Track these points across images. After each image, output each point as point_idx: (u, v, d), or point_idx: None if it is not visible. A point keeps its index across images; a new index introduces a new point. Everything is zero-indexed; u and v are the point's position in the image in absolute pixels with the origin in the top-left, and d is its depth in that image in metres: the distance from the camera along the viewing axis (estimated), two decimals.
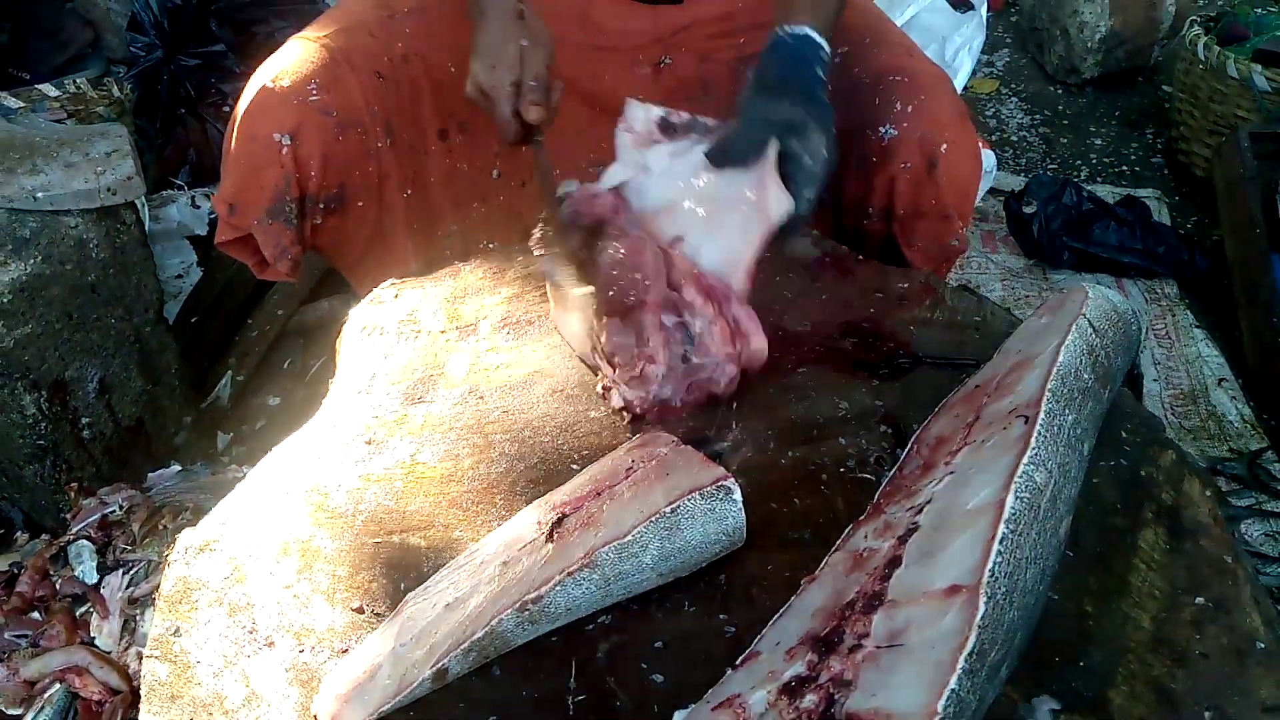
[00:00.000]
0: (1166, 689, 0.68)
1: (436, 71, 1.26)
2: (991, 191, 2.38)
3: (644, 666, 0.69)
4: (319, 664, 0.72)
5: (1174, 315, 2.07)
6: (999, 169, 2.47)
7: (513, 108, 1.05)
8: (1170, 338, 2.01)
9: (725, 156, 0.99)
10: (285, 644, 0.73)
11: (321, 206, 1.20)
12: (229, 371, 1.84)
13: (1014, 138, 2.75)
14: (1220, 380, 1.89)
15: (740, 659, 0.67)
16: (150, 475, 1.55)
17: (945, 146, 1.18)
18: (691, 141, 1.02)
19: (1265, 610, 0.74)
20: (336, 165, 1.19)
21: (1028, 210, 2.15)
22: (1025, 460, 0.67)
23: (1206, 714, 0.66)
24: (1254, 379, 1.88)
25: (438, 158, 1.28)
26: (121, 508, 1.39)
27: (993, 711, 0.65)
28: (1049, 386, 0.73)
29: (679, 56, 1.32)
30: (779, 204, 0.93)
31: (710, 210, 0.96)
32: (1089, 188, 2.35)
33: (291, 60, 1.18)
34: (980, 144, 2.31)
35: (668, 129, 1.05)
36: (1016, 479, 0.65)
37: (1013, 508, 0.63)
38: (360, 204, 1.23)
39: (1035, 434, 0.69)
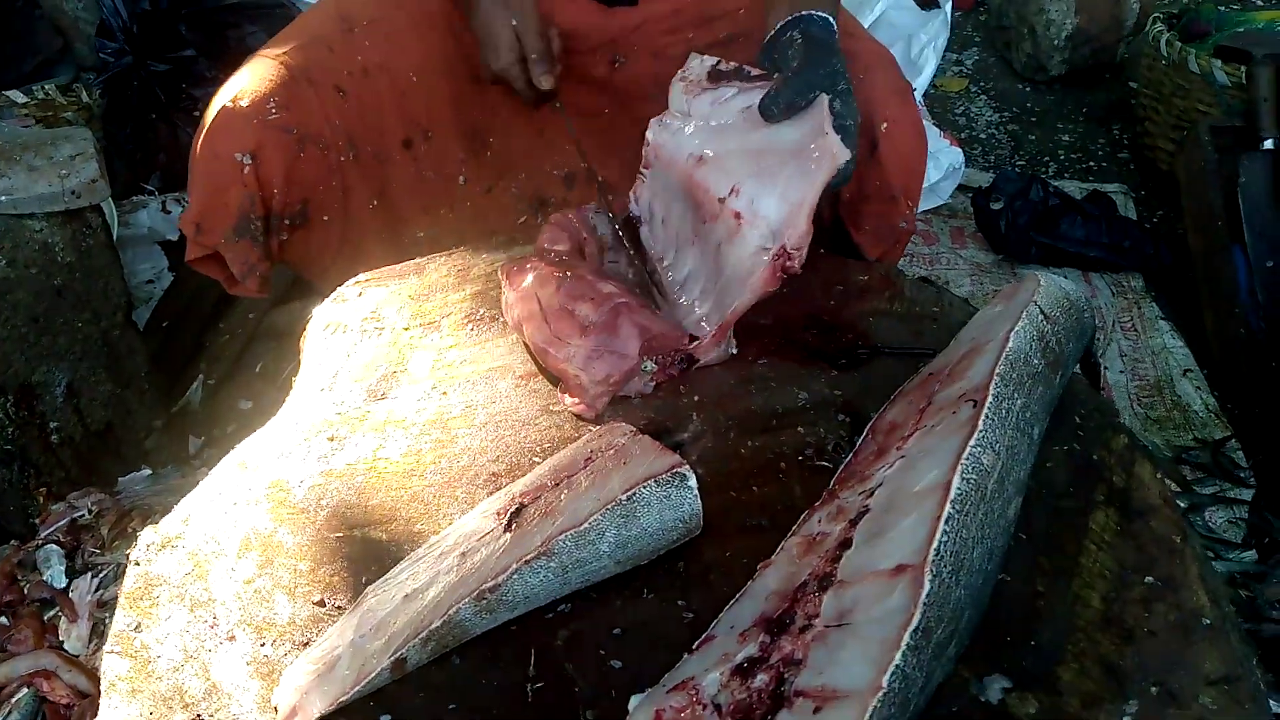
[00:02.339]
0: (1114, 665, 0.69)
1: (399, 81, 1.27)
2: (960, 188, 2.40)
3: (603, 653, 0.70)
4: (280, 657, 0.72)
5: (1140, 308, 2.09)
6: (967, 165, 2.49)
7: (526, 81, 1.19)
8: (1136, 330, 2.04)
9: (781, 107, 0.99)
10: (246, 638, 0.74)
11: (287, 223, 1.21)
12: (200, 375, 1.84)
13: (983, 135, 2.78)
14: (1185, 371, 1.92)
15: (696, 643, 0.68)
16: (120, 479, 1.55)
17: (886, 125, 1.17)
18: (735, 90, 1.03)
19: (1212, 588, 0.76)
20: (299, 181, 1.20)
21: (995, 206, 2.18)
22: (972, 443, 0.68)
23: (1153, 689, 0.68)
24: (1218, 369, 1.91)
25: (403, 167, 1.29)
26: (90, 511, 1.38)
27: (945, 690, 0.67)
28: (997, 371, 0.75)
29: (632, 55, 1.34)
30: (840, 151, 0.93)
31: (766, 160, 0.96)
32: (1057, 183, 2.38)
33: (251, 79, 1.18)
34: (949, 141, 2.35)
35: (714, 76, 1.07)
36: (963, 460, 0.66)
37: (959, 488, 0.65)
38: (325, 218, 1.24)
39: (983, 417, 0.70)
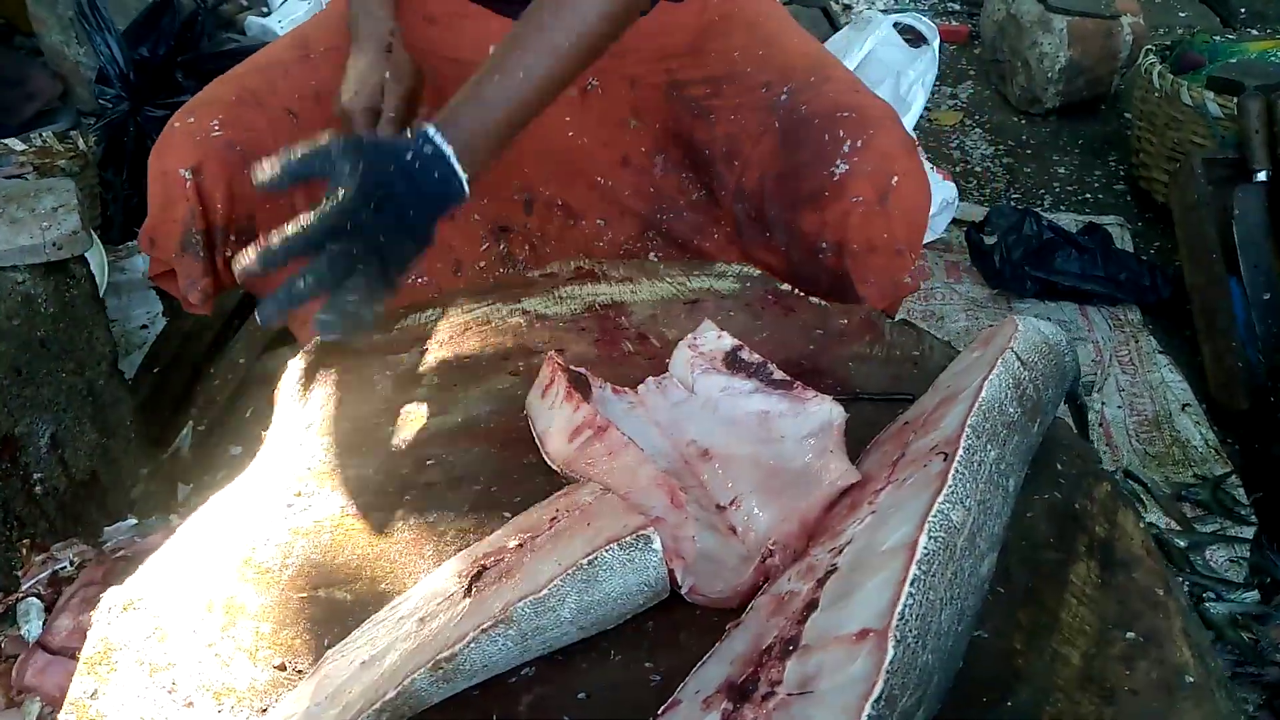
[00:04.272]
0: None
1: None
2: (955, 222, 2.40)
3: (566, 719, 0.68)
4: None
5: (1137, 341, 2.08)
6: (962, 199, 2.49)
7: (366, 127, 1.19)
8: (1134, 364, 2.02)
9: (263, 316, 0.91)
10: (204, 703, 0.72)
11: (233, 238, 1.24)
12: (190, 421, 1.83)
13: (978, 168, 2.78)
14: (1184, 406, 1.90)
15: (662, 708, 0.66)
16: (106, 529, 1.54)
17: (896, 179, 1.19)
18: (753, 387, 0.92)
19: (1196, 643, 0.74)
20: (244, 197, 1.23)
21: (988, 241, 2.17)
22: (941, 499, 0.66)
23: None
24: (1216, 404, 1.89)
25: None
26: (72, 563, 1.37)
27: None
28: (969, 422, 0.73)
29: (606, 80, 1.33)
30: (843, 474, 0.80)
31: (775, 479, 0.84)
32: (1052, 216, 2.37)
33: (203, 99, 1.25)
34: (942, 175, 2.35)
35: (732, 364, 0.95)
36: (930, 518, 0.64)
37: (926, 548, 0.63)
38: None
39: (953, 472, 0.68)
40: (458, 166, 0.94)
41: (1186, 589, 1.47)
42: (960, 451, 0.70)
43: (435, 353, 1.06)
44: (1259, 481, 1.69)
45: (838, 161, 1.20)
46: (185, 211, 1.19)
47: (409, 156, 0.93)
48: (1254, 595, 1.47)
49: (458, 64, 1.32)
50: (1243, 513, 1.63)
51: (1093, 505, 0.84)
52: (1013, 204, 2.54)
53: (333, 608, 0.79)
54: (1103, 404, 1.91)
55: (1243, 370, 1.80)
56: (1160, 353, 2.03)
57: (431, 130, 0.94)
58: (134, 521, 1.55)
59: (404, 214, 0.92)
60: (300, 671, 0.74)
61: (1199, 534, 1.60)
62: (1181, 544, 1.57)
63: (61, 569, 1.36)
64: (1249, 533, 1.59)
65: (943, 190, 2.30)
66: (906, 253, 1.22)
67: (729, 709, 0.61)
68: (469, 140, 0.96)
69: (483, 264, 1.38)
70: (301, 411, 1.00)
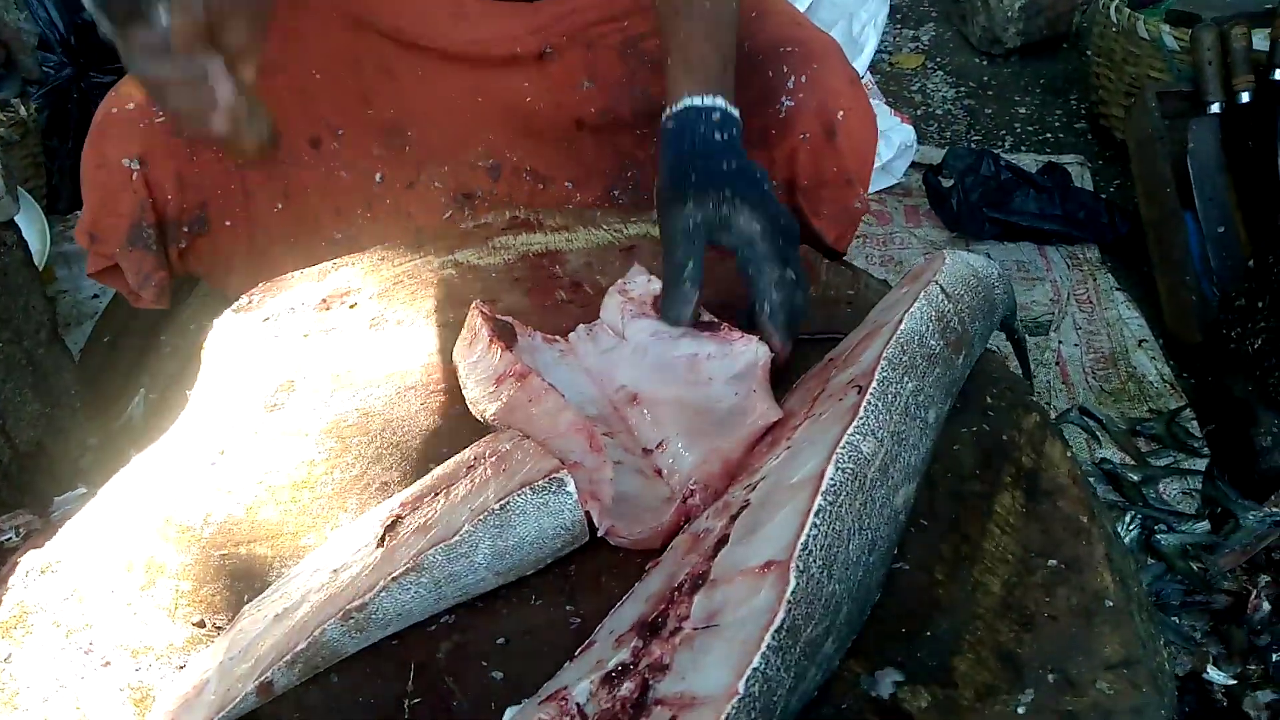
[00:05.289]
0: (1012, 654, 0.67)
1: (299, 79, 1.23)
2: (914, 165, 2.38)
3: (484, 664, 0.68)
4: (155, 682, 0.70)
5: (1095, 279, 2.07)
6: (923, 142, 2.46)
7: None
8: (1092, 302, 2.02)
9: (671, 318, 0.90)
10: (122, 663, 0.71)
11: (185, 229, 1.18)
12: (142, 390, 1.81)
13: (939, 111, 2.75)
14: (1140, 341, 1.90)
15: (579, 649, 0.66)
16: (55, 499, 1.52)
17: (842, 113, 1.18)
18: (680, 330, 0.91)
19: (1118, 568, 0.74)
20: (194, 185, 1.16)
21: (945, 183, 2.15)
22: (851, 430, 0.66)
23: (1050, 676, 0.66)
24: (1172, 338, 1.89)
25: (312, 167, 1.25)
26: (19, 533, 1.35)
27: (834, 686, 0.64)
28: (885, 355, 0.72)
29: (561, 45, 1.31)
30: (764, 413, 0.81)
31: (701, 420, 0.84)
32: (1013, 157, 2.35)
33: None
34: (901, 119, 2.32)
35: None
36: (839, 450, 0.64)
37: (832, 479, 0.62)
38: (228, 223, 1.21)
39: (865, 404, 0.68)
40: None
41: (1138, 521, 1.48)
42: (874, 384, 0.70)
43: (366, 306, 1.05)
44: (1212, 414, 1.70)
45: (783, 98, 1.19)
46: (133, 205, 1.12)
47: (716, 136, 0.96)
48: (1204, 526, 1.48)
49: (400, 35, 1.28)
50: (1196, 445, 1.63)
51: (1020, 436, 0.84)
52: (973, 146, 2.52)
53: (254, 563, 0.78)
54: (1060, 342, 1.91)
55: (1197, 303, 1.80)
56: (1118, 290, 2.03)
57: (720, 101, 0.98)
58: (84, 491, 1.53)
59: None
60: (219, 628, 0.73)
61: (1152, 468, 1.61)
62: (1135, 478, 1.58)
63: (7, 540, 1.35)
64: (1202, 465, 1.60)
65: (900, 134, 2.28)
66: (856, 182, 1.23)
67: (639, 646, 0.61)
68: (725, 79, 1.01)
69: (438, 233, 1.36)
70: (224, 368, 0.98)
